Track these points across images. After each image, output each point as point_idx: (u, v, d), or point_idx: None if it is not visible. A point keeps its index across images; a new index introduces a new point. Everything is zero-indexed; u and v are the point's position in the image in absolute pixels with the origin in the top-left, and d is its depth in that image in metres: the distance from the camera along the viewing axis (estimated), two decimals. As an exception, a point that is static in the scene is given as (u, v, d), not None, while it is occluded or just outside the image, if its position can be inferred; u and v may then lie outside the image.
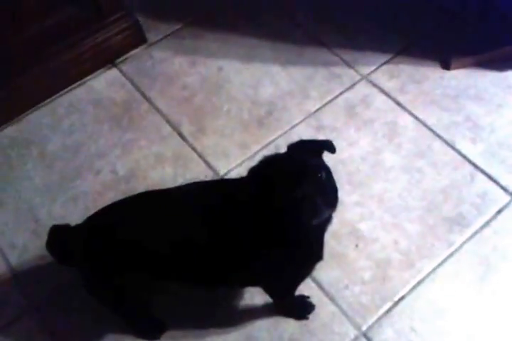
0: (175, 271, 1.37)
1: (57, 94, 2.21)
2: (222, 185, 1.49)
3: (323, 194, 1.15)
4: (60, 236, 1.43)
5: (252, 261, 1.31)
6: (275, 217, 1.17)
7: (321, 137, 1.98)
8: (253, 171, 1.23)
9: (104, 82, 2.23)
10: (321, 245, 1.36)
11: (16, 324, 1.73)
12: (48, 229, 1.47)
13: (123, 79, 2.23)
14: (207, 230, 1.28)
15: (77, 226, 1.43)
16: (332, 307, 1.67)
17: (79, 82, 2.23)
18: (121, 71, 2.25)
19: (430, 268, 1.71)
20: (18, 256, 1.85)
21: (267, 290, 1.55)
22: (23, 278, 1.81)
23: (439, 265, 1.72)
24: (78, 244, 1.37)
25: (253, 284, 1.56)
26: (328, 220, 1.26)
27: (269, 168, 1.21)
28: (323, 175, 1.18)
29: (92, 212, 1.44)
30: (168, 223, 1.31)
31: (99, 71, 2.26)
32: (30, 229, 1.90)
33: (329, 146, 1.27)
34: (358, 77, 2.15)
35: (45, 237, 1.46)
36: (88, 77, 2.25)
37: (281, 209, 1.14)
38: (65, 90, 2.21)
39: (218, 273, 1.37)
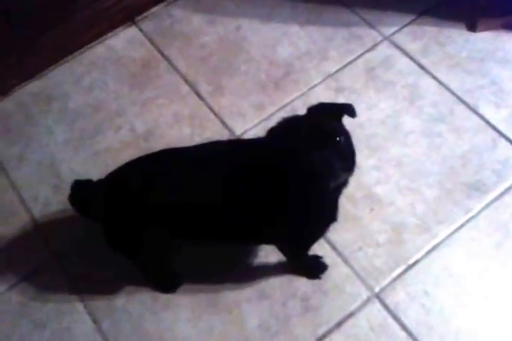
0: (195, 228, 1.38)
1: (78, 52, 2.20)
2: (241, 145, 1.49)
3: (341, 158, 1.15)
4: (82, 190, 1.49)
5: (268, 221, 1.32)
6: (293, 180, 1.18)
7: (340, 99, 1.97)
8: (272, 132, 1.22)
9: (124, 40, 2.22)
10: (336, 207, 1.36)
11: (39, 273, 1.77)
12: (69, 184, 1.51)
13: (142, 37, 2.21)
14: (227, 189, 1.30)
15: (99, 181, 1.45)
16: (345, 269, 1.67)
17: (99, 40, 2.22)
18: (140, 29, 2.23)
19: (446, 234, 1.70)
20: (41, 209, 1.89)
21: (281, 249, 1.56)
22: (45, 230, 1.85)
23: (456, 230, 1.70)
24: (100, 198, 1.40)
25: (268, 242, 1.57)
26: (344, 184, 1.25)
27: (287, 130, 1.19)
28: (342, 139, 1.17)
29: (111, 168, 1.45)
30: (190, 181, 1.33)
31: (118, 29, 2.24)
32: (52, 183, 1.93)
33: (350, 110, 1.26)
34: (379, 38, 2.09)
35: (66, 192, 1.51)
36: (108, 35, 2.23)
37: (299, 171, 1.14)
38: (85, 48, 2.20)
39: (235, 231, 1.39)
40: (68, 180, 1.67)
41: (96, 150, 1.98)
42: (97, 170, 1.87)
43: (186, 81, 2.09)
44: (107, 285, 1.74)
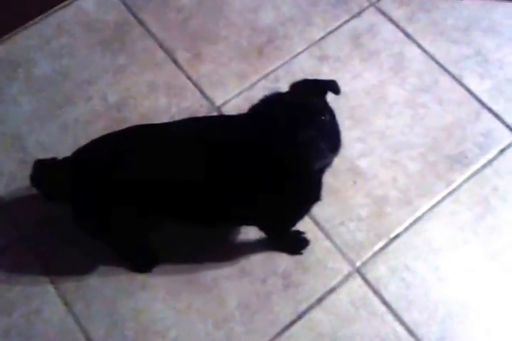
0: (171, 208, 1.41)
1: (45, 14, 2.17)
2: (221, 123, 1.48)
3: (327, 137, 1.16)
4: (45, 170, 1.45)
5: (250, 202, 1.34)
6: (276, 160, 1.19)
7: (324, 68, 2.00)
8: (253, 110, 1.23)
9: (95, 2, 2.19)
10: (320, 186, 1.39)
11: (6, 253, 1.79)
12: (36, 158, 1.49)
13: (114, -1, 2.20)
14: (206, 169, 1.31)
15: (65, 159, 1.44)
16: (327, 243, 1.74)
17: (68, 1, 2.19)
18: (112, -10, 2.22)
19: (427, 207, 1.78)
20: (6, 184, 1.89)
21: (264, 229, 1.61)
22: (11, 207, 1.85)
23: (437, 203, 1.78)
24: (66, 178, 1.39)
25: (250, 224, 1.61)
26: (328, 163, 1.26)
27: (270, 108, 1.21)
28: (327, 117, 1.19)
29: (82, 141, 1.46)
30: (164, 159, 1.33)
31: (88, -11, 2.22)
32: (18, 158, 1.92)
33: (334, 87, 1.28)
34: (365, 4, 2.12)
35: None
36: (77, -4, 2.21)
37: (282, 152, 1.16)
38: (53, 9, 2.18)
39: (214, 212, 1.41)
40: (35, 154, 1.71)
41: (65, 121, 1.98)
42: (66, 143, 1.90)
43: (162, 47, 2.09)
44: (79, 266, 1.76)
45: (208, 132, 1.37)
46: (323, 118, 1.18)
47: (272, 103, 1.23)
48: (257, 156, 1.23)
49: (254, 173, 1.27)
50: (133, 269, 1.75)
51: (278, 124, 1.16)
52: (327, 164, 1.25)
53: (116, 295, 1.72)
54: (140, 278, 1.73)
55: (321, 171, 1.31)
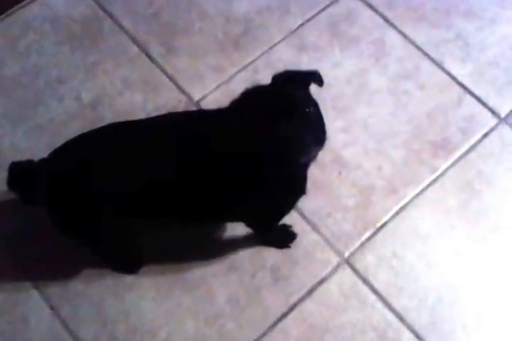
0: (154, 208, 1.53)
1: (9, 11, 2.35)
2: (200, 118, 1.58)
3: (312, 130, 1.26)
4: (21, 173, 1.53)
5: (234, 199, 1.48)
6: (260, 155, 1.29)
7: (303, 57, 2.23)
8: (235, 104, 1.34)
9: (61, -3, 2.37)
10: (305, 180, 1.51)
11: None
12: (10, 161, 1.58)
13: (81, -8, 2.37)
14: (187, 167, 1.42)
15: (41, 161, 1.54)
16: (314, 236, 1.97)
17: (32, -2, 2.37)
18: (78, -17, 2.39)
19: (413, 194, 2.02)
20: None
21: (250, 225, 1.78)
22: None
23: (423, 191, 2.02)
24: (43, 180, 1.48)
25: (235, 220, 1.78)
26: (314, 157, 1.37)
27: (252, 101, 1.31)
28: (312, 109, 1.30)
29: (57, 141, 1.57)
30: (144, 158, 1.43)
31: (54, -16, 2.39)
32: (-8, 160, 2.00)
33: (317, 78, 1.40)
34: (343, -11, 2.34)
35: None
36: (41, -8, 2.38)
37: (268, 146, 1.25)
38: (18, 6, 2.35)
39: (198, 210, 1.55)
40: (10, 156, 1.86)
41: (39, 122, 2.15)
42: (41, 145, 2.06)
43: (135, 41, 2.28)
44: (63, 269, 1.93)
45: (190, 128, 1.48)
46: (307, 110, 1.28)
47: (253, 96, 1.33)
48: (240, 152, 1.31)
49: (238, 169, 1.37)
50: (118, 271, 1.92)
51: (260, 118, 1.25)
52: (312, 158, 1.36)
53: (104, 297, 1.90)
54: (127, 278, 1.92)
55: (306, 165, 1.43)
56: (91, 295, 1.91)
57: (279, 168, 1.34)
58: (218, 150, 1.35)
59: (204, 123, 1.49)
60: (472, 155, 2.07)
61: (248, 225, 1.79)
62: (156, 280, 1.92)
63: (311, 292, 1.90)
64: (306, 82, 1.39)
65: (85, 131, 1.59)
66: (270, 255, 1.95)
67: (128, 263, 1.94)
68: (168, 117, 1.61)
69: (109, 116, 2.13)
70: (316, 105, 1.35)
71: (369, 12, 2.31)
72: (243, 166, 1.36)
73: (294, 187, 1.53)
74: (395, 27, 2.28)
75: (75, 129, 1.66)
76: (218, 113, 1.44)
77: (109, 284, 1.93)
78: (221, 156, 1.36)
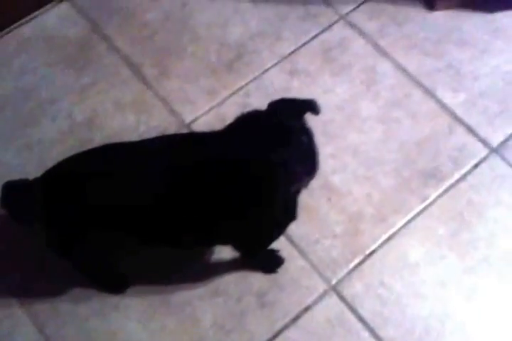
0: (144, 231, 1.50)
1: (4, 31, 2.33)
2: (195, 141, 1.54)
3: (304, 160, 1.25)
4: (16, 192, 1.51)
5: (225, 223, 1.45)
6: (251, 182, 1.27)
7: (294, 82, 2.20)
8: (230, 128, 1.32)
9: (56, 18, 2.36)
10: (295, 206, 1.49)
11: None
12: (1, 180, 1.55)
13: (76, 14, 2.36)
14: (179, 190, 1.40)
15: (35, 180, 1.52)
16: (302, 261, 1.91)
17: (27, 17, 2.35)
18: (74, 5, 2.38)
19: (402, 223, 1.97)
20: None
21: (238, 249, 1.74)
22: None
23: (412, 219, 1.97)
24: (38, 200, 1.46)
25: (223, 244, 1.75)
26: (305, 185, 1.34)
27: (247, 127, 1.29)
28: (305, 138, 1.28)
29: (49, 161, 1.56)
30: (135, 181, 1.41)
31: (49, 5, 2.38)
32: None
33: (313, 107, 1.37)
34: (335, 17, 2.32)
35: (-1, 189, 1.60)
36: (36, 13, 2.36)
37: (258, 174, 1.24)
38: (13, 26, 2.34)
39: (189, 235, 1.51)
40: (1, 174, 1.77)
41: (30, 141, 2.12)
42: (31, 164, 2.03)
43: (128, 63, 2.26)
44: (50, 288, 1.90)
45: (181, 152, 1.45)
46: (300, 139, 1.26)
47: (248, 122, 1.32)
48: (231, 177, 1.29)
49: (229, 194, 1.35)
50: (104, 291, 1.88)
51: (253, 144, 1.24)
52: (303, 186, 1.34)
53: (89, 317, 1.86)
54: (113, 299, 1.88)
55: (296, 192, 1.41)
56: (77, 314, 1.87)
57: (268, 194, 1.31)
58: (212, 175, 1.33)
59: (199, 147, 1.45)
60: (463, 185, 2.02)
61: (236, 248, 1.75)
62: (141, 301, 1.88)
63: (296, 319, 1.85)
64: (302, 111, 1.37)
65: (76, 151, 1.56)
66: (256, 280, 1.90)
67: (114, 283, 1.90)
68: (164, 140, 1.60)
69: (100, 137, 2.11)
70: (310, 134, 1.32)
71: (361, 40, 2.29)
72: (234, 191, 1.33)
73: (284, 214, 1.50)
74: (386, 55, 2.25)
75: (65, 149, 1.67)
76: (213, 137, 1.42)
77: (95, 304, 1.89)
78: (214, 181, 1.34)
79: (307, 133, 1.31)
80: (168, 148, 1.50)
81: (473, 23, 2.29)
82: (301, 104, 1.38)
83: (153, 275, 1.90)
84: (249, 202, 1.35)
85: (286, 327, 1.83)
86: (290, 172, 1.23)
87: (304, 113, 1.37)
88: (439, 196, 2.01)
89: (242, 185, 1.29)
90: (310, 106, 1.37)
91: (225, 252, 1.91)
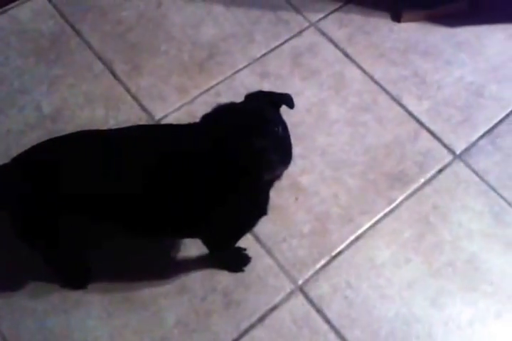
0: (113, 217, 1.34)
1: (-24, 21, 2.06)
2: (170, 132, 1.43)
3: (279, 149, 1.14)
4: None
5: (197, 213, 1.30)
6: (227, 170, 1.16)
7: (265, 84, 1.96)
8: (206, 118, 1.19)
9: (30, 11, 2.10)
10: (267, 200, 1.36)
11: None
12: None
13: (51, 8, 2.10)
14: (151, 178, 1.26)
15: (4, 165, 1.36)
16: (268, 261, 1.68)
17: (1, 10, 2.08)
18: (49, 0, 2.12)
19: (369, 224, 1.75)
20: None
21: (207, 242, 1.54)
22: None
23: (379, 221, 1.76)
24: (7, 184, 1.32)
25: (194, 236, 1.55)
26: (278, 176, 1.24)
27: (224, 117, 1.18)
28: (280, 129, 1.17)
29: (14, 152, 1.37)
30: (108, 167, 1.28)
31: (23, -2, 2.13)
32: None
33: (288, 100, 1.28)
34: (306, 24, 2.11)
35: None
36: (11, 5, 2.10)
37: (234, 162, 1.13)
38: (-14, 17, 2.07)
39: (159, 223, 1.36)
40: None
41: None
42: None
43: (100, 59, 2.01)
44: (6, 282, 1.65)
45: (155, 141, 1.33)
46: (276, 129, 1.16)
47: (224, 112, 1.20)
48: (206, 166, 1.19)
49: (202, 183, 1.23)
50: (66, 285, 1.64)
51: (230, 133, 1.13)
52: (277, 176, 1.22)
53: (48, 313, 1.61)
54: (74, 294, 1.63)
55: (270, 183, 1.27)
56: (35, 309, 1.61)
57: (243, 183, 1.20)
58: (186, 164, 1.24)
59: (176, 135, 1.36)
60: (428, 189, 1.81)
61: (204, 243, 1.55)
62: (103, 298, 1.63)
63: (262, 318, 1.60)
64: (277, 103, 1.27)
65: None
66: (223, 278, 1.66)
67: (78, 276, 1.66)
68: (139, 129, 1.45)
69: (68, 129, 1.74)
70: (285, 125, 1.22)
71: (330, 46, 2.06)
72: (209, 180, 1.22)
73: (256, 205, 1.35)
74: (354, 62, 2.03)
75: (32, 140, 1.41)
76: (189, 127, 1.33)
77: (55, 300, 1.63)
78: (188, 169, 1.24)
79: (282, 125, 1.21)
80: (145, 136, 1.36)
81: (438, 35, 2.10)
82: (278, 97, 1.28)
83: (117, 272, 1.64)
84: (226, 189, 1.23)
85: (252, 326, 1.59)
86: (267, 160, 1.11)
87: (280, 105, 1.27)
88: (405, 199, 1.79)
89: (220, 172, 1.18)
90: (285, 99, 1.29)
91: (191, 250, 1.68)
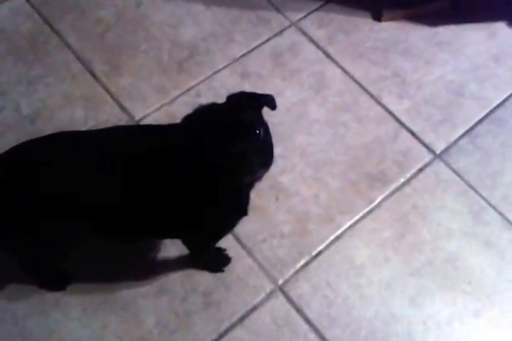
0: (92, 219, 1.31)
1: (-48, 21, 2.04)
2: (150, 132, 1.40)
3: (260, 152, 1.14)
4: None
5: (177, 213, 1.29)
6: (207, 172, 1.15)
7: (245, 84, 1.97)
8: (187, 120, 1.19)
9: (8, 11, 2.09)
10: (247, 200, 1.36)
11: None
12: None
13: (29, 8, 2.09)
14: (131, 180, 1.25)
15: None
16: (249, 261, 1.68)
17: (-22, 9, 2.08)
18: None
19: (349, 224, 1.76)
20: None
21: (187, 243, 1.54)
22: None
23: (358, 221, 1.77)
24: None
25: (174, 237, 1.55)
26: (259, 178, 1.23)
27: (205, 119, 1.16)
28: (262, 131, 1.16)
29: None
30: (89, 168, 1.26)
31: (1, -3, 2.11)
32: None
33: (270, 102, 1.27)
34: (286, 23, 2.11)
35: None
36: (-11, 4, 2.09)
37: (215, 164, 1.12)
38: (-38, 17, 2.05)
39: (138, 225, 1.35)
40: None
41: None
42: None
43: (79, 59, 2.00)
44: None
45: (136, 141, 1.31)
46: (257, 131, 1.15)
47: (205, 113, 1.19)
48: (186, 167, 1.18)
49: (183, 184, 1.23)
50: (44, 287, 1.62)
51: (211, 135, 1.12)
52: (257, 178, 1.21)
53: (27, 314, 1.60)
54: (53, 296, 1.62)
55: (251, 185, 1.27)
56: (13, 310, 1.60)
57: (223, 185, 1.19)
58: (166, 165, 1.22)
59: (156, 136, 1.33)
60: (407, 189, 1.82)
61: (184, 243, 1.55)
62: (83, 299, 1.62)
63: (242, 319, 1.61)
64: (259, 105, 1.25)
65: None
66: (203, 279, 1.66)
67: (56, 278, 1.65)
68: (119, 130, 1.44)
69: (47, 130, 1.73)
70: (266, 127, 1.21)
71: (311, 46, 2.07)
72: (190, 180, 1.21)
73: (237, 206, 1.35)
74: (335, 62, 2.04)
75: (10, 141, 1.39)
76: (170, 128, 1.31)
77: (33, 301, 1.62)
78: (168, 171, 1.23)
79: (264, 126, 1.20)
80: (125, 136, 1.34)
81: (418, 34, 2.11)
82: (260, 98, 1.26)
83: (96, 272, 1.63)
84: (207, 190, 1.22)
85: (232, 327, 1.59)
86: (248, 163, 1.11)
87: (262, 107, 1.26)
88: (385, 199, 1.80)
89: (200, 174, 1.16)
90: (267, 100, 1.27)
91: (171, 250, 1.67)
